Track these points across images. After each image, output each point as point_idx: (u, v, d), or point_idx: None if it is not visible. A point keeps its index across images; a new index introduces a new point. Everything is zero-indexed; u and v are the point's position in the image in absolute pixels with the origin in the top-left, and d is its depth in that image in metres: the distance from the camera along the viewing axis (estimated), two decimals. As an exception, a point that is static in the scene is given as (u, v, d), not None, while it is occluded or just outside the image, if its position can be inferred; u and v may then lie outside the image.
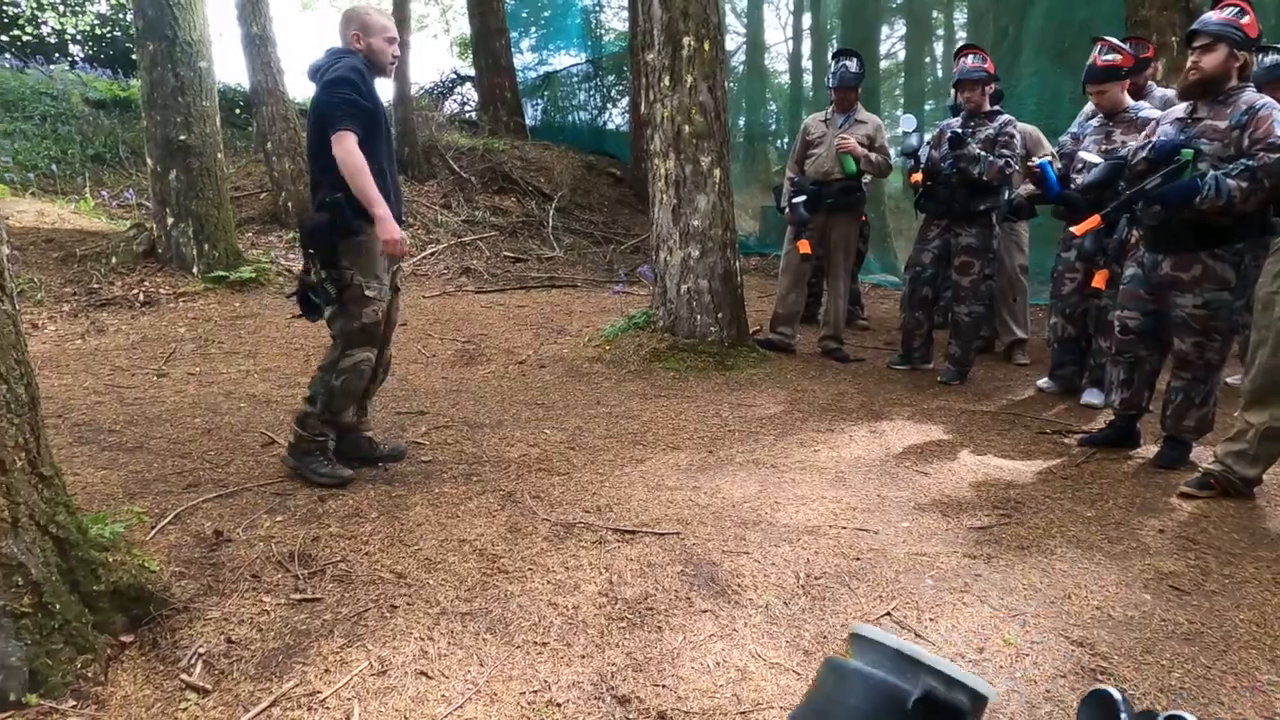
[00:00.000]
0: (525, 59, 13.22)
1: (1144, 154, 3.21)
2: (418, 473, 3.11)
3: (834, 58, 5.14)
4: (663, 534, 2.58)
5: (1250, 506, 2.93)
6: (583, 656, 1.93)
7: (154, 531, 2.45)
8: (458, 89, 13.81)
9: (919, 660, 0.51)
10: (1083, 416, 4.09)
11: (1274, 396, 2.85)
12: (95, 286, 5.89)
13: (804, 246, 4.98)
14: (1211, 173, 2.92)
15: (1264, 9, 6.32)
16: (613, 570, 2.35)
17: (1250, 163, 2.86)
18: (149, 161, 6.33)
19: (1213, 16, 3.01)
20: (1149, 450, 3.48)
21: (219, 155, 6.41)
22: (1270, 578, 2.39)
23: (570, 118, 13.09)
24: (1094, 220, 3.44)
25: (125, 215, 7.82)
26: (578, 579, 2.30)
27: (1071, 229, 3.72)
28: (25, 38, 11.53)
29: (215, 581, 2.20)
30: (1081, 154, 3.90)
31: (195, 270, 6.19)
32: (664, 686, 1.81)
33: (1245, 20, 2.96)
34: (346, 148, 2.72)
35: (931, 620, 2.11)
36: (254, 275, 6.32)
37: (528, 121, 12.41)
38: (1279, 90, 3.76)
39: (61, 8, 11.97)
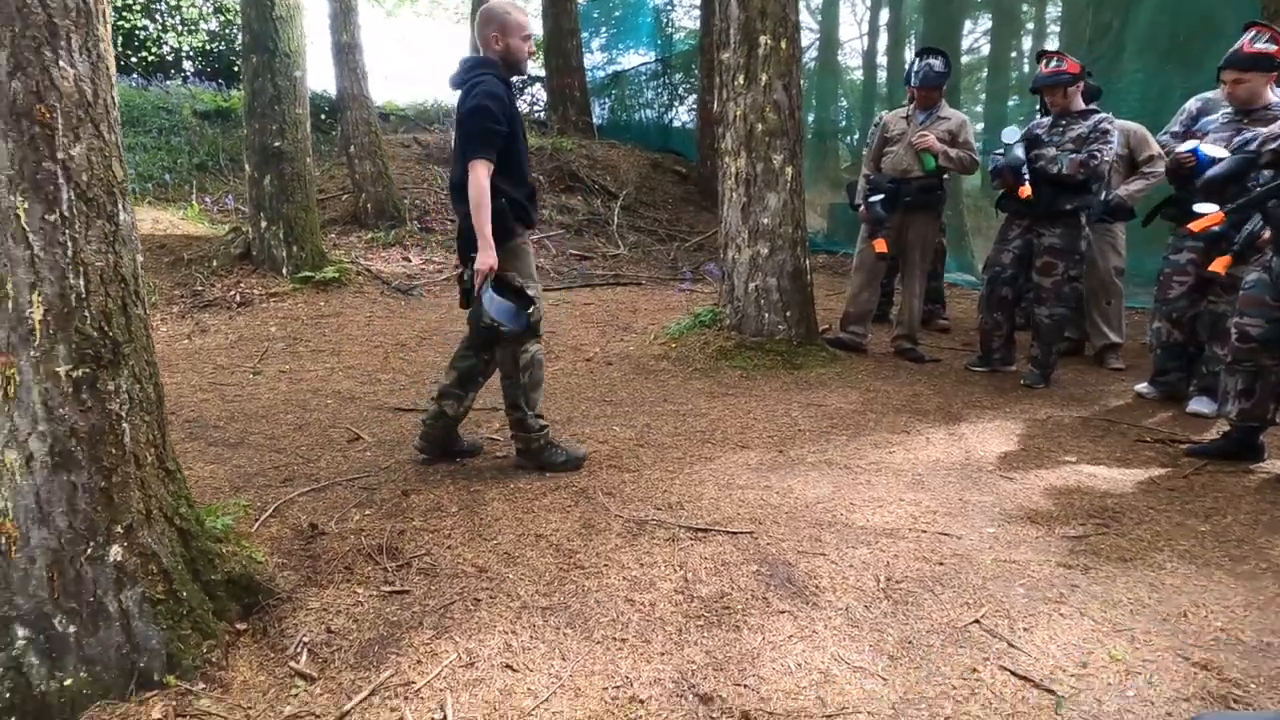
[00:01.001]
0: (595, 59, 13.36)
1: (1275, 145, 3.02)
2: (493, 468, 3.19)
3: (918, 55, 5.01)
4: (735, 533, 2.59)
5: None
6: (662, 654, 1.95)
7: (257, 524, 2.60)
8: (527, 89, 14.04)
9: None
10: (1189, 426, 3.86)
11: None
12: (199, 289, 6.25)
13: (880, 245, 4.89)
14: None
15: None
16: (687, 568, 2.37)
17: None
18: (247, 168, 6.66)
19: None
20: (1274, 465, 3.28)
21: (308, 160, 6.70)
22: None
23: (637, 116, 13.16)
24: (1216, 217, 3.22)
25: (225, 220, 8.25)
26: (653, 576, 2.33)
27: (1189, 227, 3.50)
28: (150, 58, 12.30)
29: (313, 573, 2.32)
30: (1205, 147, 3.68)
31: (284, 271, 6.49)
32: (746, 686, 1.82)
33: None
34: (477, 178, 2.81)
35: (1025, 630, 2.05)
36: (337, 275, 6.58)
37: (595, 120, 12.54)
38: None
39: (180, 28, 12.71)
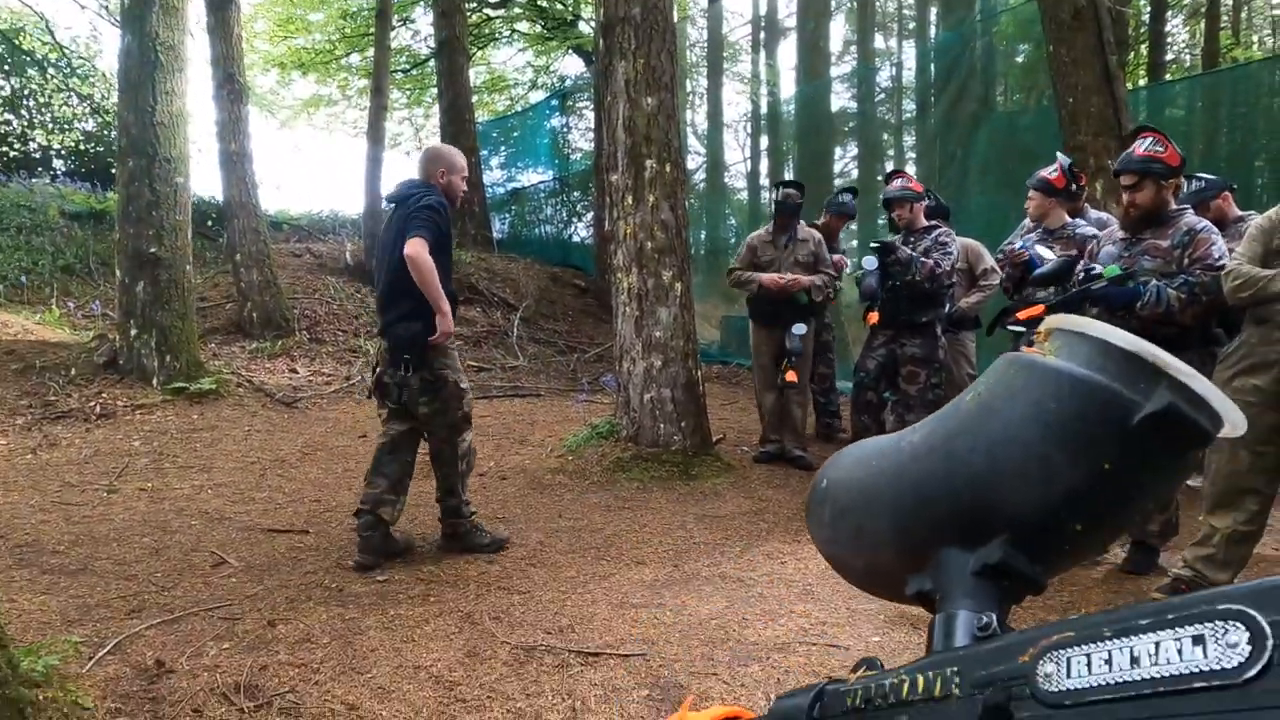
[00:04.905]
0: (494, 175, 13.74)
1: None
2: (372, 594, 3.00)
3: (777, 187, 5.47)
4: (627, 655, 2.51)
5: (1220, 614, 2.93)
6: (544, 794, 1.83)
7: (91, 663, 2.32)
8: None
9: (1160, 367, 0.37)
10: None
11: (1235, 500, 2.91)
12: (52, 399, 5.75)
13: (791, 376, 5.01)
14: (1154, 282, 3.09)
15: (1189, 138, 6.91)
16: (575, 696, 2.26)
17: (1190, 279, 3.04)
18: (118, 273, 6.35)
19: (1133, 155, 3.21)
20: (1116, 556, 3.50)
21: (188, 267, 6.46)
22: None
23: (537, 231, 13.49)
24: (1037, 309, 3.61)
25: (89, 326, 7.76)
26: (539, 707, 2.21)
27: (1017, 314, 3.86)
28: (12, 154, 11.79)
29: (154, 718, 2.07)
30: (1038, 248, 4.09)
31: (155, 382, 6.10)
32: (629, 826, 1.72)
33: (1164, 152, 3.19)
34: (418, 249, 3.10)
35: (904, 744, 2.04)
36: (214, 387, 6.24)
37: (495, 235, 12.76)
38: (1205, 211, 4.07)
39: (50, 125, 12.31)
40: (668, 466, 4.82)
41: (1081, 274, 3.39)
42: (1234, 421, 0.39)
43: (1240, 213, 4.26)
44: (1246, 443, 2.87)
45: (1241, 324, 2.96)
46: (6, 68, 12.18)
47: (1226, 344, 3.04)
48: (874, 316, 4.76)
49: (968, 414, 0.44)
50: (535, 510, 4.18)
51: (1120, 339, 0.40)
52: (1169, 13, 13.09)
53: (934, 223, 4.86)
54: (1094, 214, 4.76)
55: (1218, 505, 2.97)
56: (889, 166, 11.12)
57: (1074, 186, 4.41)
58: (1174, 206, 3.22)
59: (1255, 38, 15.77)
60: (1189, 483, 4.19)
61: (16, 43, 11.87)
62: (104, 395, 5.91)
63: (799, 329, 5.01)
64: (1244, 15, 14.97)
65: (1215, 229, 3.17)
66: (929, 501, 0.46)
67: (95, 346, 6.41)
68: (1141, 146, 3.21)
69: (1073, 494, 0.41)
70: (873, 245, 4.72)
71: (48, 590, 2.90)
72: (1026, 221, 4.70)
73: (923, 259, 4.54)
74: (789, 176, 11.72)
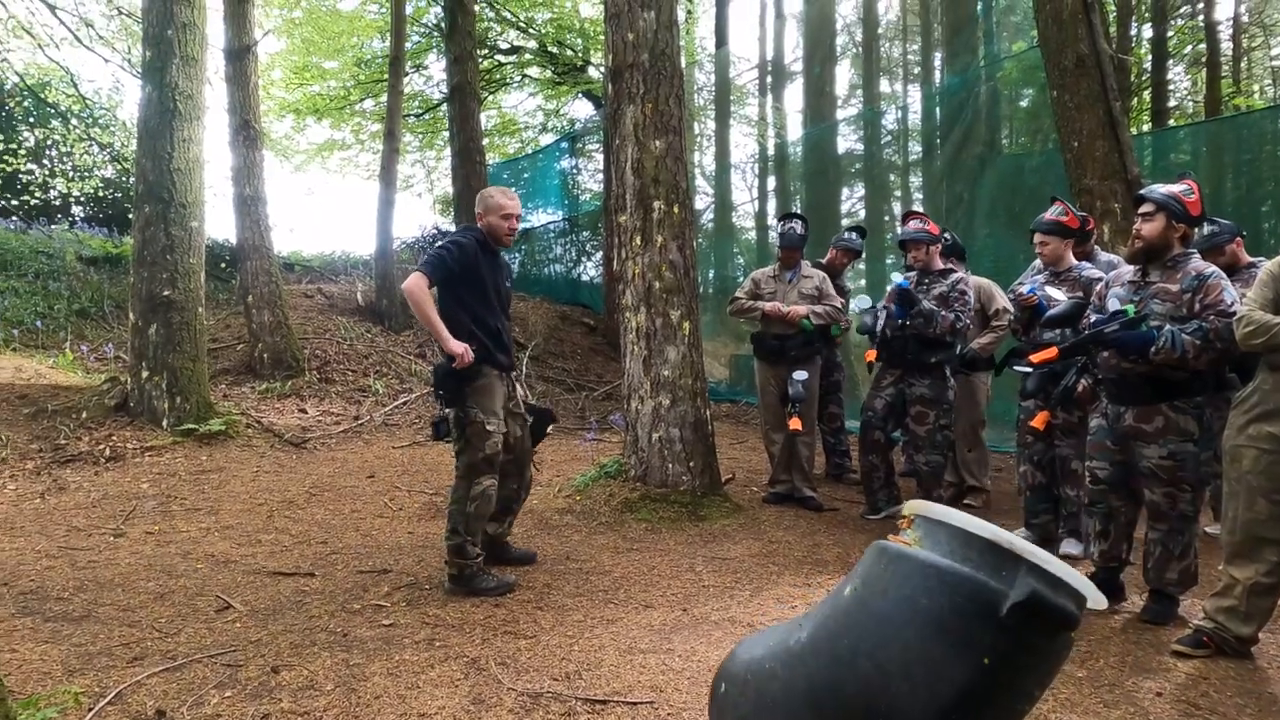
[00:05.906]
0: (505, 216, 13.90)
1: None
2: (378, 638, 2.96)
3: (781, 219, 5.47)
4: (635, 703, 2.45)
5: (1251, 668, 2.83)
6: None
7: (90, 714, 2.29)
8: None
9: (1018, 554, 0.37)
10: (1062, 567, 4.01)
11: (1255, 551, 2.83)
12: (62, 442, 5.77)
13: (795, 424, 4.98)
14: (1169, 327, 3.05)
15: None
16: (582, 747, 2.21)
17: (1204, 324, 3.01)
18: (131, 316, 6.42)
19: (1158, 188, 3.25)
20: (1135, 604, 3.42)
21: (200, 310, 6.52)
22: (1278, 747, 2.29)
23: (546, 270, 13.61)
24: (1050, 352, 3.55)
25: (102, 369, 7.82)
26: (545, 758, 2.15)
27: (1030, 357, 3.83)
28: (33, 202, 12.09)
29: (151, 771, 2.03)
30: (1047, 289, 4.08)
31: (165, 424, 6.13)
32: None
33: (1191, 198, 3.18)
34: (413, 282, 3.30)
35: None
36: (223, 428, 6.25)
37: (505, 274, 12.85)
38: (1219, 255, 4.07)
39: (71, 173, 12.64)
40: (676, 507, 4.77)
41: (1096, 316, 3.37)
42: (1095, 599, 0.40)
43: (1250, 259, 4.26)
44: (1264, 491, 2.80)
45: (1255, 369, 2.92)
46: (31, 120, 12.53)
47: (1240, 389, 3.00)
48: (871, 354, 4.73)
49: (847, 611, 0.44)
50: (542, 551, 4.14)
51: (978, 528, 0.41)
52: (1169, 61, 13.23)
53: (949, 265, 4.85)
54: (1104, 256, 4.76)
55: (1237, 555, 2.88)
56: (896, 208, 11.21)
57: (1084, 226, 4.44)
58: (1179, 250, 3.21)
59: (1256, 87, 15.91)
60: (1206, 529, 4.10)
61: (42, 96, 12.21)
62: (114, 438, 5.93)
63: (800, 375, 4.99)
64: (1244, 65, 15.12)
65: (1223, 274, 3.15)
66: (823, 712, 0.45)
67: (107, 389, 6.46)
68: (1175, 187, 3.22)
69: (961, 693, 0.41)
70: (896, 285, 4.66)
71: (50, 639, 2.88)
72: (1037, 263, 4.71)
73: (944, 313, 4.55)
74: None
